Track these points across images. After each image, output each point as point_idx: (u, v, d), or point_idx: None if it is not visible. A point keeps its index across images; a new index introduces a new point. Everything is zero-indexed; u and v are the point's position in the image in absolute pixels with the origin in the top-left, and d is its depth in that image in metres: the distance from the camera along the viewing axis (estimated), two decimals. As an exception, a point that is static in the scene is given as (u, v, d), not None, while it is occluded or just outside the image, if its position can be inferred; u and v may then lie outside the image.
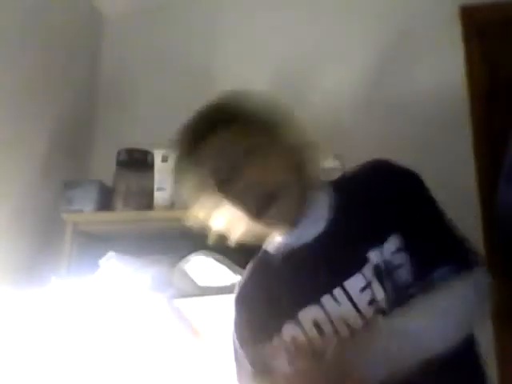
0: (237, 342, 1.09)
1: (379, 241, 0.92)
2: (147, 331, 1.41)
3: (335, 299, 0.92)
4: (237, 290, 1.13)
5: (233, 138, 0.99)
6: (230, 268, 1.53)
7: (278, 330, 0.97)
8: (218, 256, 1.55)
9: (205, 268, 1.53)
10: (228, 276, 1.52)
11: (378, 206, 0.95)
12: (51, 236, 1.86)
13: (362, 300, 0.90)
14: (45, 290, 1.51)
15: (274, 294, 1.01)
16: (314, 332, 0.92)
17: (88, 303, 1.46)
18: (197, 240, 1.71)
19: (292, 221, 0.99)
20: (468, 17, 2.04)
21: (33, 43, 1.91)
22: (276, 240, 1.06)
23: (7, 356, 1.43)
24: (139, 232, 1.83)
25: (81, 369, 1.39)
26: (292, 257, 1.01)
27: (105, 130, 2.23)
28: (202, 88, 2.19)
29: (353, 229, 0.96)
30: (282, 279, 1.01)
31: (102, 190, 1.85)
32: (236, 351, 1.10)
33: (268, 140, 1.01)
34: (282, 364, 0.87)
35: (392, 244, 0.91)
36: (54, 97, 2.02)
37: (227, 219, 1.00)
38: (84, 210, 1.81)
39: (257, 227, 0.99)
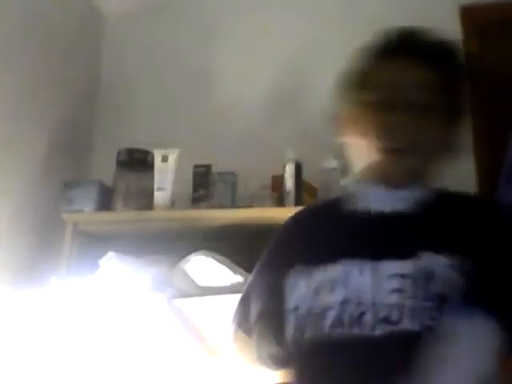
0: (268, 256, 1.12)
1: (441, 250, 0.90)
2: (147, 331, 1.41)
3: (360, 270, 0.91)
4: (295, 214, 1.15)
5: (433, 79, 0.98)
6: (230, 268, 1.53)
7: (308, 272, 0.96)
8: (218, 256, 1.55)
9: (205, 268, 1.53)
10: (228, 276, 1.52)
11: (461, 231, 0.94)
12: (51, 236, 1.86)
13: (386, 285, 0.89)
14: (45, 289, 1.50)
15: (319, 237, 1.02)
16: (327, 288, 0.92)
17: (88, 303, 1.46)
18: (197, 240, 1.73)
19: (401, 179, 0.98)
20: (468, 17, 2.04)
21: (32, 43, 1.92)
22: (358, 189, 1.05)
23: (7, 356, 1.43)
24: (139, 232, 1.83)
25: (81, 368, 1.39)
26: (356, 214, 1.00)
27: (105, 129, 2.24)
28: (202, 88, 2.19)
29: (424, 228, 0.95)
30: (335, 229, 1.02)
31: (102, 190, 1.85)
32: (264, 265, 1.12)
33: (453, 107, 1.01)
34: None
35: (451, 260, 0.90)
36: (54, 97, 2.02)
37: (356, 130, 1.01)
38: (84, 209, 1.81)
39: (374, 156, 0.98)
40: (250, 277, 1.16)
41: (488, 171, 1.84)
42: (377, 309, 0.88)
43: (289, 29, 2.18)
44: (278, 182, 1.77)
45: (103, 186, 1.87)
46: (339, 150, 1.11)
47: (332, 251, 0.96)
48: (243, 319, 1.11)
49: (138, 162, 1.87)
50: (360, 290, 0.90)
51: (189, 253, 1.58)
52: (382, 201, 0.99)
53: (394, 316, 0.86)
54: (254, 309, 1.06)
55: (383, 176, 0.99)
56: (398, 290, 0.88)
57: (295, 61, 2.14)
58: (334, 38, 2.12)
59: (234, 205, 1.77)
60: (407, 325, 0.85)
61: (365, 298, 0.89)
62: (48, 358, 1.41)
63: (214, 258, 1.54)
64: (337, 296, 0.91)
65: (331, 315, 0.90)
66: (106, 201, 1.84)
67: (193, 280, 1.54)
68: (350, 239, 0.97)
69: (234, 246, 1.70)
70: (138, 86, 2.26)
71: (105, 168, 1.92)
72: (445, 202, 1.01)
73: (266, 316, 1.03)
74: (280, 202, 1.74)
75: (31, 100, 1.89)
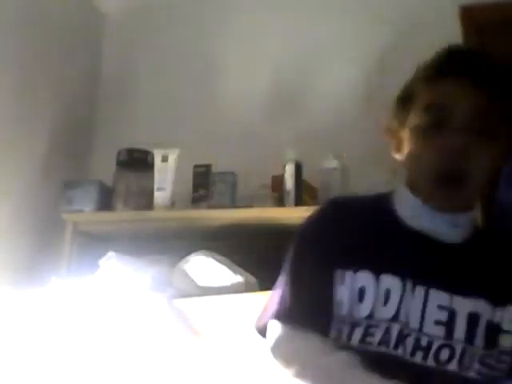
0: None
1: (499, 301, 0.91)
2: (147, 331, 1.41)
3: (413, 291, 0.90)
4: (343, 197, 1.10)
5: (493, 102, 0.94)
6: (230, 268, 1.53)
7: (352, 269, 0.92)
8: (217, 256, 1.55)
9: (205, 268, 1.53)
10: (228, 276, 1.52)
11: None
12: (51, 236, 1.86)
13: (432, 314, 0.89)
14: (45, 290, 1.50)
15: (369, 237, 0.96)
16: (381, 295, 0.89)
17: (88, 303, 1.46)
18: (196, 240, 1.73)
19: (458, 206, 0.95)
20: (468, 16, 2.04)
21: (33, 42, 1.92)
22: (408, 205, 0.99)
23: (7, 356, 1.43)
24: (139, 232, 1.83)
25: (81, 369, 1.39)
26: (413, 232, 0.96)
27: (105, 129, 2.24)
28: (202, 88, 2.19)
29: (479, 265, 0.94)
30: (391, 239, 0.97)
31: (102, 190, 1.85)
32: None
33: (504, 134, 0.96)
34: None
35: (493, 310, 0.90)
36: (54, 97, 2.02)
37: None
38: (84, 210, 1.81)
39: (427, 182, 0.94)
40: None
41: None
42: (420, 335, 0.88)
43: (289, 29, 2.18)
44: (278, 182, 1.77)
45: (103, 186, 1.87)
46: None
47: (389, 262, 0.92)
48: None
49: (138, 161, 1.87)
50: (409, 311, 0.89)
51: (189, 253, 1.58)
52: (434, 224, 0.95)
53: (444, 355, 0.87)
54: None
55: (437, 202, 0.95)
56: (444, 323, 0.88)
57: (295, 61, 2.14)
58: (334, 38, 2.12)
59: (234, 205, 1.77)
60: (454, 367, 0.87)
61: (412, 321, 0.89)
62: (48, 357, 1.41)
63: (213, 258, 1.54)
64: (390, 311, 0.89)
65: (381, 330, 0.88)
66: (106, 201, 1.84)
67: (193, 280, 1.53)
68: (406, 256, 0.93)
69: (234, 246, 1.70)
70: (138, 86, 2.26)
71: (105, 168, 1.92)
72: (488, 240, 1.00)
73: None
74: (280, 202, 1.74)
75: (31, 100, 1.88)
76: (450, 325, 0.88)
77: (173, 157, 1.81)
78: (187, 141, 1.96)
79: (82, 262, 1.76)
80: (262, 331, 0.99)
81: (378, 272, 0.90)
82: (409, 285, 0.90)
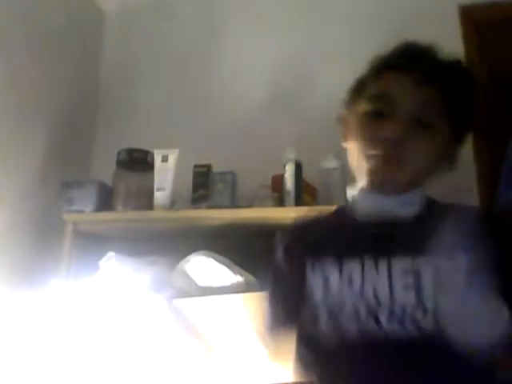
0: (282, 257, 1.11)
1: (453, 254, 0.92)
2: (147, 332, 1.41)
3: (376, 266, 0.93)
4: (301, 219, 1.17)
5: (435, 98, 1.00)
6: (229, 268, 1.53)
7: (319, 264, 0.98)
8: (218, 256, 1.55)
9: (205, 268, 1.53)
10: (228, 276, 1.52)
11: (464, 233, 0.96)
12: (51, 236, 1.86)
13: (398, 281, 0.91)
14: (45, 291, 1.50)
15: (326, 239, 1.03)
16: (345, 282, 0.94)
17: (88, 305, 1.46)
18: (197, 240, 1.73)
19: (403, 185, 1.00)
20: (467, 16, 2.04)
21: (32, 42, 1.92)
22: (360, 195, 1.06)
23: (7, 358, 1.43)
24: (139, 232, 1.83)
25: (81, 370, 1.39)
26: (363, 220, 1.02)
27: (105, 129, 2.24)
28: (203, 87, 2.19)
29: (434, 232, 0.96)
30: (339, 231, 1.04)
31: (102, 190, 1.85)
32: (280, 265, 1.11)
33: (447, 123, 1.01)
34: None
35: (465, 262, 0.91)
36: (54, 97, 2.02)
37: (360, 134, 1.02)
38: (84, 210, 1.81)
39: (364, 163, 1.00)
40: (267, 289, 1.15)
41: (488, 171, 1.84)
42: (392, 306, 0.90)
43: (289, 29, 2.18)
44: (278, 182, 1.77)
45: (103, 186, 1.87)
46: (341, 152, 1.13)
47: (344, 251, 0.97)
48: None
49: (137, 161, 1.87)
50: (377, 286, 0.92)
51: (188, 253, 1.58)
52: (383, 205, 1.01)
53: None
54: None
55: (381, 184, 1.00)
56: (413, 286, 0.90)
57: (295, 61, 2.14)
58: (334, 38, 2.12)
59: (234, 205, 1.77)
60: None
61: (381, 295, 0.91)
62: (48, 359, 1.41)
63: (214, 258, 1.54)
64: (355, 289, 0.93)
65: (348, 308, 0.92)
66: (106, 201, 1.84)
67: (193, 280, 1.54)
68: (364, 241, 0.98)
69: (234, 246, 1.70)
70: (139, 86, 2.26)
71: (105, 168, 1.92)
72: (441, 210, 1.03)
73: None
74: (280, 201, 1.74)
75: (31, 99, 1.89)
76: (418, 286, 0.90)
77: (173, 157, 1.81)
78: (187, 141, 1.96)
79: (82, 262, 1.76)
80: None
81: (339, 259, 0.96)
82: (369, 262, 0.93)
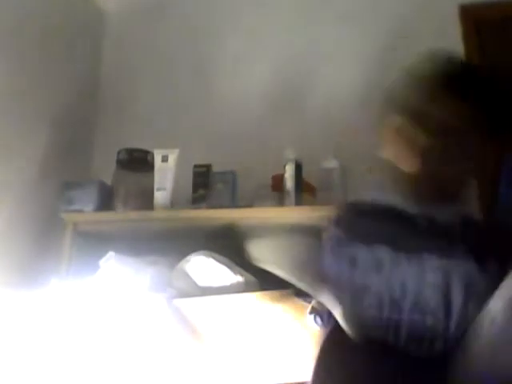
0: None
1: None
2: (146, 332, 1.41)
3: (408, 260, 0.94)
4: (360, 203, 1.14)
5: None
6: (229, 268, 1.53)
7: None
8: (218, 256, 1.55)
9: (205, 268, 1.53)
10: (228, 276, 1.52)
11: None
12: (51, 236, 1.86)
13: (427, 278, 0.93)
14: (45, 291, 1.50)
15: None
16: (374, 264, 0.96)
17: (88, 305, 1.46)
18: (197, 240, 1.73)
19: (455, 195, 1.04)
20: (467, 15, 2.04)
21: (33, 42, 1.91)
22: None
23: (7, 358, 1.43)
24: (139, 232, 1.83)
25: (81, 369, 1.40)
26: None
27: (105, 129, 2.24)
28: (203, 87, 2.19)
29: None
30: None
31: (102, 189, 1.85)
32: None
33: None
34: None
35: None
36: (54, 96, 2.02)
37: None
38: (84, 209, 1.81)
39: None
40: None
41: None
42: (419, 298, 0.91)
43: (289, 29, 2.18)
44: (278, 182, 1.77)
45: (103, 186, 1.87)
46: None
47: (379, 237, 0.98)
48: None
49: (137, 161, 1.87)
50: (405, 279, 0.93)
51: (188, 253, 1.58)
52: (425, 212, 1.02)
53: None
54: None
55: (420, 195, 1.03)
56: (442, 287, 0.91)
57: (295, 61, 2.14)
58: (335, 38, 2.12)
59: (234, 205, 1.77)
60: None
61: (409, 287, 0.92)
62: (48, 359, 1.41)
63: (214, 258, 1.54)
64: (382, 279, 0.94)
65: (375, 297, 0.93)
66: (106, 201, 1.84)
67: (193, 280, 1.54)
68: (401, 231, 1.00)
69: (234, 246, 1.70)
70: (139, 86, 2.26)
71: (105, 168, 1.92)
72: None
73: None
74: (280, 201, 1.74)
75: (31, 99, 1.89)
76: (445, 287, 0.91)
77: (173, 157, 1.81)
78: (187, 141, 1.96)
79: (81, 262, 1.76)
80: None
81: (370, 244, 0.97)
82: (401, 255, 0.94)
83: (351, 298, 0.94)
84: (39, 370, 1.40)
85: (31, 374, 1.40)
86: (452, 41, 1.99)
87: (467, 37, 2.01)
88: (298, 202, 1.71)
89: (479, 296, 0.90)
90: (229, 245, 1.68)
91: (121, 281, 1.51)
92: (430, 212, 1.03)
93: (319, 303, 1.15)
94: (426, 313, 0.90)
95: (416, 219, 1.02)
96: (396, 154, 1.05)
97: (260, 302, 1.40)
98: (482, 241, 0.99)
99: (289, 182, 1.73)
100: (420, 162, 1.02)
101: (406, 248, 0.96)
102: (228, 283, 1.50)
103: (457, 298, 0.91)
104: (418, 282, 0.92)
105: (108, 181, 1.88)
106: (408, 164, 1.04)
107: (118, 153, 1.88)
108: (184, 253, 1.60)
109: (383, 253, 0.95)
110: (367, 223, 1.04)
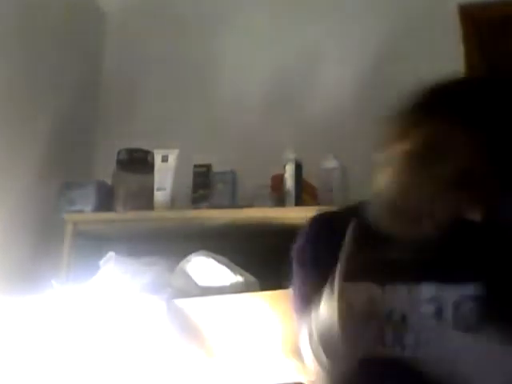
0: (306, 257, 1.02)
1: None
2: (146, 333, 1.41)
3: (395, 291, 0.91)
4: (324, 214, 1.08)
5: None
6: (229, 268, 1.53)
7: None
8: (218, 256, 1.55)
9: (205, 268, 1.53)
10: (228, 276, 1.52)
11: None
12: (51, 236, 1.86)
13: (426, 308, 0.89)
14: (45, 292, 1.50)
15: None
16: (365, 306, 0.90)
17: (87, 305, 1.46)
18: (197, 240, 1.73)
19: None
20: (467, 16, 2.04)
21: (33, 42, 1.92)
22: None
23: (7, 360, 1.43)
24: (139, 232, 1.83)
25: (81, 372, 1.39)
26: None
27: (105, 129, 2.24)
28: (203, 88, 2.19)
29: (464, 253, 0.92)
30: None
31: (102, 190, 1.85)
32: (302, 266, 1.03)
33: None
34: None
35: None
36: (54, 96, 2.02)
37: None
38: (84, 210, 1.81)
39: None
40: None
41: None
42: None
43: (289, 29, 2.18)
44: (277, 182, 1.77)
45: (103, 186, 1.87)
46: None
47: (373, 269, 0.92)
48: None
49: (138, 161, 1.87)
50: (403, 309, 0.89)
51: (189, 253, 1.58)
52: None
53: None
54: None
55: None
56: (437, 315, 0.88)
57: (295, 61, 2.14)
58: (334, 38, 2.12)
59: (234, 205, 1.77)
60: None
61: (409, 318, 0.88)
62: (48, 362, 1.41)
63: (214, 258, 1.54)
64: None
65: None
66: (106, 201, 1.84)
67: (193, 280, 1.54)
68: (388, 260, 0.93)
69: (234, 246, 1.70)
70: (139, 86, 2.26)
71: (105, 168, 1.92)
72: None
73: None
74: (280, 201, 1.74)
75: (31, 100, 1.89)
76: (443, 315, 0.88)
77: (173, 157, 1.81)
78: (187, 141, 1.96)
79: (81, 262, 1.76)
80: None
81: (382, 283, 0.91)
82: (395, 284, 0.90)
83: None
84: (41, 373, 1.40)
85: (33, 376, 1.40)
86: (452, 41, 2.00)
87: (467, 37, 2.01)
88: (298, 202, 1.71)
89: None
90: (229, 245, 1.68)
91: (120, 281, 1.51)
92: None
93: None
94: None
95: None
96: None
97: (260, 302, 1.40)
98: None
99: (289, 182, 1.73)
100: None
101: None
102: (228, 283, 1.50)
103: None
104: None
105: (108, 181, 1.88)
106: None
107: (118, 153, 1.88)
108: (184, 253, 1.60)
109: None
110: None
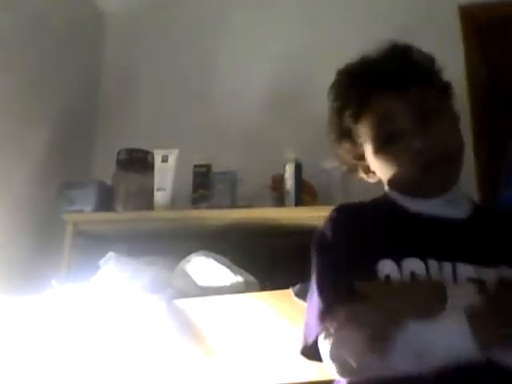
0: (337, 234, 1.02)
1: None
2: (146, 333, 1.41)
3: (440, 268, 0.91)
4: (348, 204, 1.13)
5: (421, 96, 1.04)
6: (229, 268, 1.53)
7: (374, 261, 0.92)
8: (218, 256, 1.55)
9: (205, 268, 1.53)
10: (228, 276, 1.52)
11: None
12: (51, 236, 1.86)
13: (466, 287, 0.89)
14: (45, 291, 1.51)
15: (381, 229, 0.99)
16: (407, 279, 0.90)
17: (87, 305, 1.46)
18: (197, 240, 1.73)
19: (446, 187, 1.02)
20: (467, 16, 2.04)
21: (33, 42, 1.92)
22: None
23: (7, 360, 1.43)
24: (139, 232, 1.83)
25: (81, 372, 1.40)
26: (420, 217, 1.00)
27: (105, 129, 2.24)
28: (203, 87, 2.19)
29: (490, 236, 0.98)
30: (403, 227, 1.00)
31: (102, 189, 1.85)
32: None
33: (448, 104, 1.07)
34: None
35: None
36: (54, 97, 2.02)
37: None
38: (84, 210, 1.81)
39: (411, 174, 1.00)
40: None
41: (488, 171, 1.84)
42: None
43: (289, 29, 2.18)
44: (278, 182, 1.77)
45: (103, 186, 1.87)
46: None
47: (407, 247, 0.94)
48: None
49: (138, 161, 1.87)
50: None
51: (189, 253, 1.58)
52: (430, 207, 1.01)
53: None
54: None
55: (433, 190, 1.01)
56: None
57: (295, 61, 2.14)
58: (334, 38, 2.12)
59: (234, 205, 1.77)
60: None
61: None
62: (48, 362, 1.41)
63: (214, 259, 1.54)
64: None
65: None
66: (106, 201, 1.84)
67: (193, 280, 1.54)
68: (421, 238, 0.96)
69: (234, 245, 1.70)
70: (139, 86, 2.26)
71: (105, 168, 1.92)
72: (486, 213, 1.05)
73: None
74: (280, 201, 1.74)
75: (32, 100, 1.89)
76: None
77: (173, 157, 1.81)
78: (187, 141, 1.96)
79: (82, 262, 1.76)
80: (308, 353, 0.96)
81: (398, 259, 0.92)
82: (432, 263, 0.91)
83: None
84: (41, 372, 1.40)
85: (33, 376, 1.40)
86: (452, 41, 2.00)
87: (467, 37, 2.01)
88: (298, 202, 1.71)
89: None
90: (229, 245, 1.68)
91: (120, 281, 1.51)
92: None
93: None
94: None
95: None
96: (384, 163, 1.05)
97: (260, 302, 1.40)
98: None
99: (289, 182, 1.73)
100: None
101: None
102: (228, 283, 1.50)
103: None
104: None
105: (108, 181, 1.88)
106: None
107: (118, 153, 1.88)
108: (184, 253, 1.60)
109: None
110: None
